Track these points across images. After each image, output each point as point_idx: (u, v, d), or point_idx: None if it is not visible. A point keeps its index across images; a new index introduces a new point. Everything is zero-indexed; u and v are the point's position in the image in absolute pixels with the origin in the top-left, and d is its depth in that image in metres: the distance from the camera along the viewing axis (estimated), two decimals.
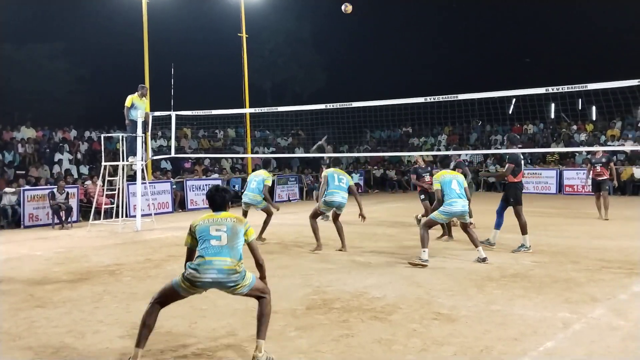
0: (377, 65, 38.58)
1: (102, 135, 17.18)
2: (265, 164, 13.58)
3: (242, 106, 21.12)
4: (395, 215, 15.81)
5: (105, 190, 15.30)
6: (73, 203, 15.85)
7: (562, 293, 6.84)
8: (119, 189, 14.87)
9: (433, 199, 10.17)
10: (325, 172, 10.58)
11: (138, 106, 14.36)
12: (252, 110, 18.32)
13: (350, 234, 10.54)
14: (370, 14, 38.38)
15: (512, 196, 10.02)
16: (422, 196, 12.41)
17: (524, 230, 9.85)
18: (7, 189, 15.89)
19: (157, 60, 19.79)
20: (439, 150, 28.04)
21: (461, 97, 11.48)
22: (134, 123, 14.37)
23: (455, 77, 33.31)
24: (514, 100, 19.63)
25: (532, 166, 24.00)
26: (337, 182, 10.16)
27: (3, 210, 15.31)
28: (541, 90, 10.31)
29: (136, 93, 14.42)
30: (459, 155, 13.40)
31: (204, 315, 6.19)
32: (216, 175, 21.53)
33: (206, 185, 20.00)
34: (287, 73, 41.08)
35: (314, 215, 10.38)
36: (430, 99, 11.47)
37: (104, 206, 14.88)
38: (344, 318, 5.94)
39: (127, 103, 14.35)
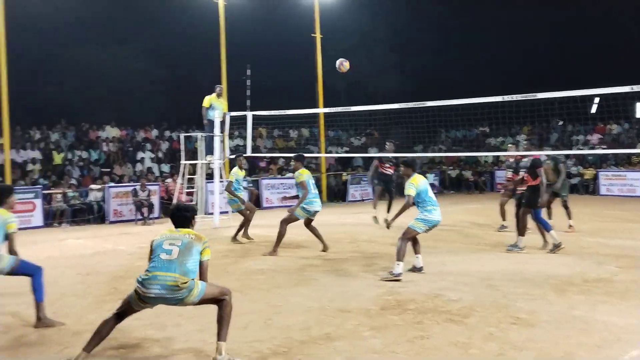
0: (452, 63, 37.92)
1: (182, 135, 17.72)
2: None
3: (316, 106, 21.29)
4: (472, 217, 15.51)
5: (184, 187, 15.78)
6: (154, 200, 16.46)
7: None
8: (197, 186, 15.33)
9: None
10: (305, 177, 10.27)
11: (215, 106, 14.72)
12: (326, 110, 18.44)
13: (427, 235, 10.42)
14: (445, 12, 37.88)
15: (531, 198, 9.89)
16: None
17: (522, 232, 9.88)
18: (92, 186, 16.69)
19: (234, 62, 20.24)
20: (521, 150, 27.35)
21: (540, 95, 11.13)
22: (211, 123, 14.74)
23: (534, 75, 32.34)
24: (597, 99, 18.87)
25: (617, 168, 22.96)
26: (314, 189, 10.17)
27: (89, 206, 16.09)
28: (626, 89, 9.87)
29: (213, 93, 14.79)
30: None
31: (279, 311, 6.29)
32: (291, 175, 21.75)
33: (281, 184, 20.29)
34: (360, 73, 40.99)
35: (287, 221, 10.19)
36: (507, 97, 11.18)
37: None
38: (419, 319, 5.89)
39: (205, 104, 14.73)
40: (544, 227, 10.00)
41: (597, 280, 7.54)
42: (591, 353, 4.89)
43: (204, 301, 4.85)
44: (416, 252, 8.32)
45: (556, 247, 9.67)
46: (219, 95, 14.86)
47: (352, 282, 7.63)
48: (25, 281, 6.14)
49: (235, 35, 22.67)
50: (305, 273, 8.36)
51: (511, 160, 12.34)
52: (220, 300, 4.88)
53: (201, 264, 4.93)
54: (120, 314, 4.89)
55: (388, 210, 13.60)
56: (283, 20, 31.61)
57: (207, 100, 14.71)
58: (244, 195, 12.14)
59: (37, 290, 6.07)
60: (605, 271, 8.09)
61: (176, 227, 5.07)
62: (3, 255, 5.95)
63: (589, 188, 22.79)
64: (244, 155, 12.66)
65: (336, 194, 22.13)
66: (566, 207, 12.03)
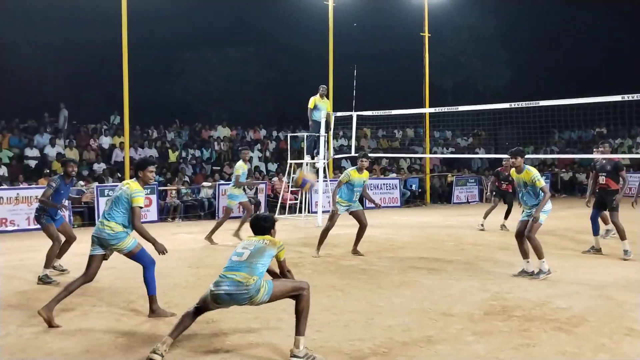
0: (566, 60, 36.23)
1: (288, 135, 18.16)
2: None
3: (422, 106, 21.03)
4: (584, 222, 14.72)
5: (290, 186, 16.13)
6: (261, 198, 16.94)
7: None
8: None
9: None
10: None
11: (320, 107, 14.95)
12: (432, 110, 18.17)
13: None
14: (559, 6, 36.25)
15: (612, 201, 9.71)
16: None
17: (623, 235, 9.53)
18: (204, 183, 17.42)
19: (341, 61, 20.42)
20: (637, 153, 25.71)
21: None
22: (316, 123, 14.98)
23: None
24: None
25: None
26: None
27: (200, 202, 16.81)
28: None
29: (317, 94, 15.02)
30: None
31: (381, 312, 6.29)
32: (394, 175, 21.68)
33: (384, 184, 20.25)
34: (469, 71, 40.07)
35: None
36: (627, 97, 10.54)
37: (288, 202, 15.70)
38: (525, 327, 5.69)
39: (310, 105, 14.99)
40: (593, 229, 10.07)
41: None
42: None
43: (276, 298, 5.05)
44: (526, 255, 8.15)
45: (595, 251, 9.91)
46: (322, 96, 15.08)
47: (456, 285, 7.50)
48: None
49: (343, 35, 22.88)
50: (408, 274, 8.31)
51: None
52: (296, 296, 5.06)
53: (279, 262, 5.32)
54: (199, 309, 5.16)
55: (506, 217, 13.32)
56: (391, 20, 31.55)
57: (312, 101, 14.98)
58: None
59: (148, 283, 6.40)
60: None
61: (255, 234, 5.34)
62: (130, 235, 6.33)
63: None
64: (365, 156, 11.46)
65: (440, 196, 21.77)
66: None
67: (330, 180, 16.61)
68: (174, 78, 34.54)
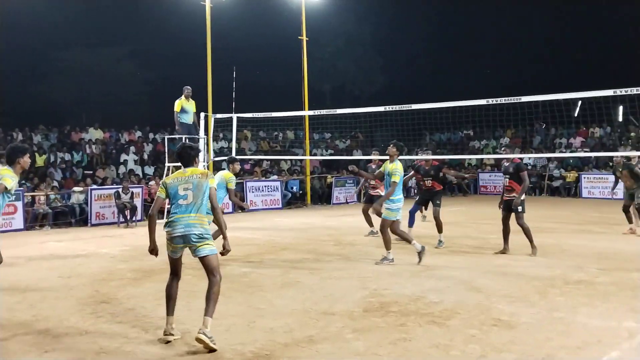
0: (437, 67, 38.17)
1: (166, 137, 17.65)
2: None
3: (302, 108, 21.28)
4: (455, 219, 15.58)
5: None
6: (138, 202, 16.34)
7: (628, 302, 6.59)
8: None
9: None
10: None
11: (187, 109, 14.55)
12: (311, 112, 18.47)
13: (419, 237, 10.42)
14: (431, 14, 38.07)
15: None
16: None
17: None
18: (75, 188, 16.54)
19: (220, 63, 20.18)
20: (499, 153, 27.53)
21: (524, 99, 11.24)
22: (185, 126, 14.55)
23: (518, 78, 32.61)
24: (580, 102, 19.06)
25: (599, 170, 23.19)
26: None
27: (71, 208, 15.94)
28: (609, 93, 9.99)
29: (182, 96, 14.56)
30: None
31: (262, 314, 6.27)
32: (275, 177, 21.75)
33: (265, 186, 20.27)
34: (346, 75, 41.13)
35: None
36: (492, 101, 11.27)
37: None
38: (402, 322, 5.90)
39: (177, 108, 14.46)
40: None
41: (578, 282, 7.61)
42: (572, 355, 4.93)
43: (207, 263, 5.49)
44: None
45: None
46: (187, 98, 14.63)
47: (336, 284, 7.64)
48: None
49: (221, 37, 22.64)
50: (289, 275, 8.35)
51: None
52: (213, 277, 5.50)
53: (210, 189, 5.48)
54: (174, 271, 5.65)
55: (425, 208, 14.11)
56: (270, 23, 31.65)
57: (178, 105, 14.47)
58: None
59: None
60: (586, 273, 8.16)
61: (184, 165, 5.60)
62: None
63: (571, 191, 23.01)
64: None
65: (320, 197, 22.12)
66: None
67: None
68: (41, 78, 32.50)
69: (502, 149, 11.37)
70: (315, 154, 26.36)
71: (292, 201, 21.07)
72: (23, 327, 5.95)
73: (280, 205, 20.30)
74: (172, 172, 15.16)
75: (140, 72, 34.95)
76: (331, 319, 6.06)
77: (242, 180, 20.24)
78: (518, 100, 11.31)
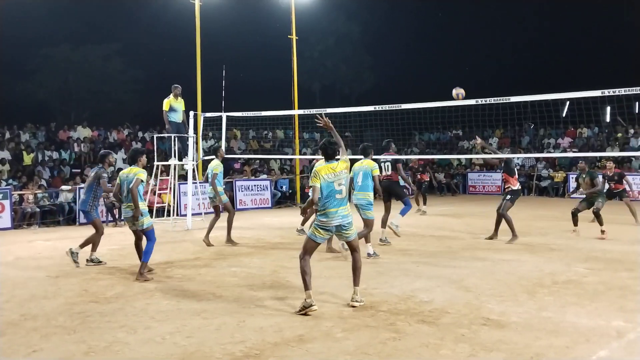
0: (427, 66, 38.26)
1: (155, 136, 17.56)
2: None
3: (291, 108, 21.26)
4: (444, 218, 15.64)
5: (157, 189, 15.62)
6: None
7: (616, 301, 6.64)
8: (170, 188, 15.20)
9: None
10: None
11: (176, 108, 14.44)
12: (301, 111, 18.43)
13: (404, 236, 10.47)
14: (420, 13, 38.15)
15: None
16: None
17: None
18: (63, 187, 16.43)
19: (209, 62, 20.12)
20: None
21: (513, 99, 11.30)
22: (174, 125, 14.47)
23: (507, 79, 32.77)
24: (568, 102, 19.17)
25: None
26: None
27: (60, 207, 15.83)
28: (597, 93, 10.06)
29: (171, 95, 14.46)
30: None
31: (252, 313, 6.26)
32: (265, 176, 21.71)
33: (255, 185, 20.23)
34: (335, 74, 41.15)
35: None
36: (481, 101, 11.32)
37: (155, 205, 15.21)
38: (391, 321, 5.91)
39: (165, 107, 14.32)
40: None
41: (566, 281, 7.66)
42: (560, 354, 4.96)
43: (352, 243, 6.40)
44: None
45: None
46: (177, 96, 14.52)
47: (326, 283, 7.64)
48: None
49: (211, 36, 22.57)
50: (279, 274, 8.35)
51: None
52: (355, 252, 6.44)
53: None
54: (311, 252, 6.38)
55: (424, 203, 14.97)
56: (259, 22, 31.61)
57: (167, 103, 14.32)
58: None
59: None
60: (574, 273, 8.22)
61: (327, 159, 6.40)
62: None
63: (559, 190, 23.14)
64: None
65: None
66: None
67: (199, 183, 16.29)
68: (28, 75, 32.24)
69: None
70: (305, 153, 26.35)
71: (282, 200, 21.05)
72: (11, 326, 5.92)
73: (269, 205, 20.28)
74: (161, 170, 15.20)
75: (128, 69, 34.76)
76: (321, 318, 6.05)
77: (231, 180, 20.22)
78: (507, 101, 11.37)
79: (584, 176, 12.12)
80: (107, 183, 9.47)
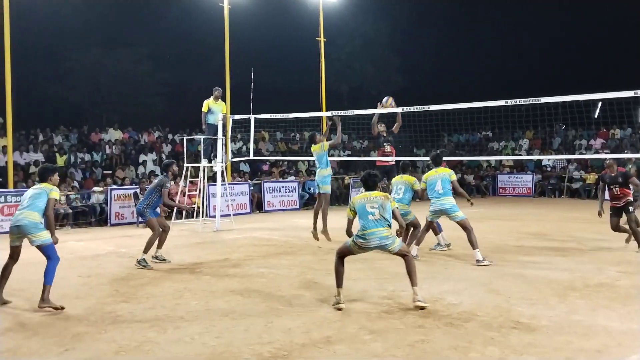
0: (456, 67, 37.96)
1: (184, 138, 17.77)
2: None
3: (319, 109, 21.29)
4: (472, 221, 15.45)
5: (187, 190, 15.79)
6: None
7: None
8: (200, 189, 15.36)
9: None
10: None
11: (214, 110, 14.71)
12: (329, 113, 18.41)
13: (433, 238, 10.40)
14: (449, 15, 37.90)
15: None
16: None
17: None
18: (95, 188, 16.69)
19: (238, 65, 20.25)
20: (519, 155, 27.29)
21: (544, 100, 11.12)
22: (211, 127, 14.73)
23: (537, 79, 32.36)
24: (600, 103, 18.83)
25: None
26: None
27: (91, 208, 16.09)
28: (629, 94, 9.86)
29: (211, 97, 14.76)
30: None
31: (280, 314, 6.29)
32: (292, 178, 21.77)
33: (283, 187, 20.31)
34: (363, 76, 41.04)
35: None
36: (511, 102, 11.18)
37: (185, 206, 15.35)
38: (420, 323, 5.88)
39: (204, 108, 14.71)
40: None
41: (598, 285, 7.53)
42: (591, 358, 4.89)
43: (399, 252, 6.55)
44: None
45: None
46: (216, 99, 14.82)
47: (354, 285, 7.63)
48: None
49: (239, 38, 22.72)
50: (307, 276, 8.37)
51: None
52: (406, 256, 6.57)
53: (393, 212, 6.63)
54: (342, 256, 6.70)
55: None
56: (287, 24, 31.70)
57: (205, 105, 14.70)
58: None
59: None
60: (606, 276, 8.08)
61: (367, 190, 6.80)
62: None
63: (591, 192, 22.75)
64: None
65: (338, 197, 22.09)
66: None
67: (228, 184, 16.42)
68: (61, 79, 32.84)
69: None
70: (332, 155, 26.33)
71: (310, 202, 21.06)
72: (44, 325, 6.03)
73: (297, 206, 20.33)
74: (191, 172, 15.35)
75: (158, 73, 35.17)
76: (348, 320, 6.05)
77: (260, 181, 20.33)
78: (537, 102, 11.20)
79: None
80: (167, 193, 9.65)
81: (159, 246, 9.76)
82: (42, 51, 29.30)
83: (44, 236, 6.82)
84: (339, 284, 6.58)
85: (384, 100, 12.27)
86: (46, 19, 26.91)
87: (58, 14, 27.58)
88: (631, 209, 10.16)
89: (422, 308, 6.29)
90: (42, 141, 21.31)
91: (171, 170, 9.87)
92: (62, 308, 6.54)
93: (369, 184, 6.81)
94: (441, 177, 9.74)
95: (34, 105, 26.53)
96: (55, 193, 7.05)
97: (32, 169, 18.39)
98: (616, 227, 10.40)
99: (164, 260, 9.73)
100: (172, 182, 9.69)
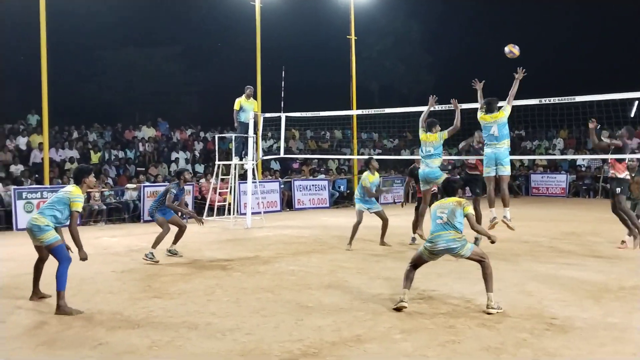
0: (487, 65, 37.43)
1: (216, 136, 17.93)
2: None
3: (350, 108, 21.26)
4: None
5: (218, 188, 15.92)
6: (188, 200, 16.63)
7: None
8: (231, 187, 15.48)
9: None
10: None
11: (246, 108, 14.84)
12: (359, 112, 18.41)
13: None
14: (481, 12, 37.46)
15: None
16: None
17: None
18: (128, 185, 16.95)
19: (269, 63, 20.34)
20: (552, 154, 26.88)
21: (578, 98, 10.95)
22: (242, 125, 14.86)
23: (572, 77, 31.78)
24: (637, 102, 18.46)
25: None
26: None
27: (125, 204, 16.34)
28: None
29: (243, 95, 14.90)
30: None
31: (310, 312, 6.31)
32: (322, 176, 21.79)
33: (313, 185, 20.34)
34: (394, 74, 40.85)
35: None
36: (544, 100, 11.02)
37: (216, 203, 15.51)
38: (451, 324, 5.84)
39: (236, 106, 14.87)
40: None
41: (633, 287, 7.38)
42: None
43: (471, 257, 6.44)
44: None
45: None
46: (248, 97, 14.96)
47: (384, 284, 7.61)
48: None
49: (270, 36, 22.81)
50: (337, 274, 8.37)
51: None
52: (482, 261, 6.40)
53: (467, 216, 6.51)
54: (415, 265, 6.63)
55: None
56: (318, 23, 31.71)
57: (237, 103, 14.86)
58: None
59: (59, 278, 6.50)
60: None
61: (444, 195, 6.79)
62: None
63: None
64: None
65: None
66: None
67: (259, 182, 16.52)
68: (95, 77, 33.39)
69: None
70: (362, 154, 26.27)
71: (340, 200, 21.08)
72: (78, 319, 6.14)
73: (327, 204, 20.35)
74: (222, 170, 15.49)
75: (190, 71, 35.52)
76: (379, 319, 6.04)
77: (290, 179, 20.41)
78: (572, 100, 11.03)
79: (633, 175, 11.28)
80: (175, 199, 10.11)
81: (174, 242, 10.22)
82: (78, 50, 29.81)
83: (49, 236, 6.48)
84: (406, 285, 6.57)
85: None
86: (81, 19, 27.36)
87: (93, 14, 28.03)
88: None
89: (489, 313, 6.17)
90: (77, 138, 21.69)
91: (183, 177, 10.29)
92: (81, 312, 6.33)
93: (447, 190, 6.84)
94: (497, 122, 9.74)
95: (69, 103, 26.97)
96: (78, 204, 6.63)
97: (67, 165, 18.75)
98: None
99: (176, 254, 10.16)
100: (185, 186, 10.48)
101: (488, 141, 9.69)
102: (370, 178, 11.02)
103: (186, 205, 12.10)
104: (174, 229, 10.12)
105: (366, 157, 13.34)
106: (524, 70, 10.12)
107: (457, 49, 37.78)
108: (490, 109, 9.83)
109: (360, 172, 23.11)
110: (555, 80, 30.91)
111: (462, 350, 5.08)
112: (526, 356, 4.93)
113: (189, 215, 11.23)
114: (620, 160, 10.26)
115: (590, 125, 10.31)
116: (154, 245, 9.74)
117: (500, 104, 9.83)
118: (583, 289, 7.28)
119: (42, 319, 6.21)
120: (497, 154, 9.59)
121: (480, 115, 9.92)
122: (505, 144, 9.65)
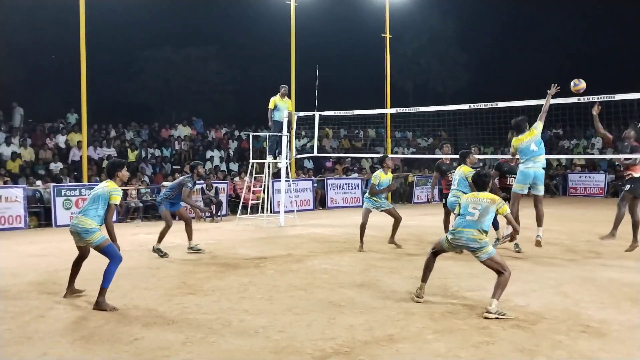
0: (524, 62, 36.95)
1: (250, 134, 18.07)
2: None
3: (384, 106, 21.19)
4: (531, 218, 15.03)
5: (252, 186, 16.04)
6: (223, 198, 16.81)
7: None
8: (264, 185, 15.59)
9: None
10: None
11: (280, 107, 14.92)
12: (393, 110, 18.32)
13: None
14: (517, 10, 36.93)
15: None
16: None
17: None
18: (164, 183, 17.17)
19: (303, 62, 20.40)
20: (591, 153, 26.36)
21: (618, 97, 10.71)
22: (276, 123, 14.95)
23: (613, 74, 31.09)
24: None
25: None
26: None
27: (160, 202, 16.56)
28: None
29: (278, 94, 14.99)
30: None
31: (343, 311, 6.31)
32: (356, 175, 21.77)
33: (346, 184, 20.33)
34: (429, 73, 40.55)
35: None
36: (583, 99, 10.81)
37: (250, 202, 15.63)
38: (484, 325, 5.78)
39: (271, 105, 14.96)
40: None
41: None
42: None
43: (488, 264, 6.27)
44: None
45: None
46: (283, 96, 15.05)
47: (417, 284, 7.56)
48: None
49: (305, 35, 22.87)
50: (369, 273, 8.36)
51: None
52: (501, 273, 6.21)
53: (506, 217, 6.57)
54: (435, 253, 6.66)
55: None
56: (353, 21, 31.68)
57: (272, 102, 14.95)
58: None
59: (106, 275, 6.60)
60: None
61: (477, 190, 6.67)
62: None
63: None
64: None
65: (401, 195, 21.95)
66: None
67: (292, 181, 16.58)
68: (132, 76, 34.01)
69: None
70: (396, 152, 26.17)
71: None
72: (115, 314, 6.26)
73: (360, 203, 20.24)
74: (256, 169, 15.61)
75: (225, 70, 35.85)
76: (411, 319, 6.02)
77: (323, 178, 20.43)
78: (612, 99, 10.80)
79: None
80: (190, 192, 10.51)
81: (189, 238, 10.48)
82: (116, 49, 30.37)
83: (97, 237, 6.56)
84: (424, 278, 6.64)
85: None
86: (120, 19, 27.84)
87: (131, 14, 28.49)
88: None
89: (487, 318, 5.99)
90: (114, 137, 22.09)
91: (196, 171, 10.54)
92: (116, 309, 6.39)
93: (479, 184, 6.70)
94: (533, 140, 9.46)
95: (107, 102, 27.52)
96: (116, 197, 6.69)
97: (105, 163, 19.09)
98: None
99: (199, 250, 10.41)
100: (193, 184, 10.65)
101: (527, 157, 9.40)
102: (382, 176, 10.58)
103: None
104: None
105: (380, 155, 12.77)
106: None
107: (493, 47, 37.34)
108: (520, 130, 9.61)
109: (393, 171, 23.07)
110: (593, 78, 30.22)
111: (495, 352, 5.03)
112: (561, 358, 4.85)
113: (199, 210, 11.69)
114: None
115: (594, 112, 10.07)
116: (159, 240, 10.10)
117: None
118: (620, 291, 7.13)
119: (80, 314, 6.34)
120: (537, 173, 9.35)
121: (514, 140, 9.69)
122: (543, 158, 9.43)
